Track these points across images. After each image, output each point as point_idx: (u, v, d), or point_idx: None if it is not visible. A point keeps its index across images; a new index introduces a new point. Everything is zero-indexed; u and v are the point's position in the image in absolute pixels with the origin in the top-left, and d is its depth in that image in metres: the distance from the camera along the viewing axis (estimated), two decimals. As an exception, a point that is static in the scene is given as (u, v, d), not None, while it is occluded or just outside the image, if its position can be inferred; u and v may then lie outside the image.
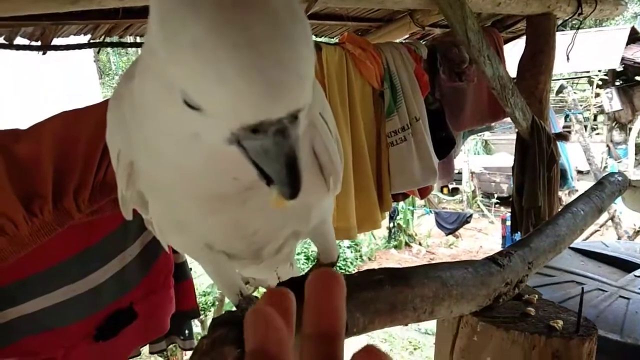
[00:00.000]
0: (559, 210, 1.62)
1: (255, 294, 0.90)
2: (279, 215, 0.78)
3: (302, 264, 7.53)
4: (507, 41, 3.78)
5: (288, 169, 0.53)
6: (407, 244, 9.83)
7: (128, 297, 1.78)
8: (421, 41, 3.36)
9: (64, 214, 1.58)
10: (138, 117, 0.66)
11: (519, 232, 3.27)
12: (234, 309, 0.84)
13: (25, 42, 2.30)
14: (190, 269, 2.05)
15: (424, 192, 2.91)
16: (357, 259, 8.92)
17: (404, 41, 3.02)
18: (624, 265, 2.91)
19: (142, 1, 1.57)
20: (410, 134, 2.56)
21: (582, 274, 2.82)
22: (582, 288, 1.19)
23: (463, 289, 1.07)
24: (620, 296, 2.57)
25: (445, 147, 2.90)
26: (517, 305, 1.25)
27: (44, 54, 2.37)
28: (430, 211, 9.44)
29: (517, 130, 3.05)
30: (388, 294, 0.94)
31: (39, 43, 2.33)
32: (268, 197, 0.67)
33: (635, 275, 2.74)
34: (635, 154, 10.10)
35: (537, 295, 1.28)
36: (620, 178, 2.03)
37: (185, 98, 0.51)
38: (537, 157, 2.97)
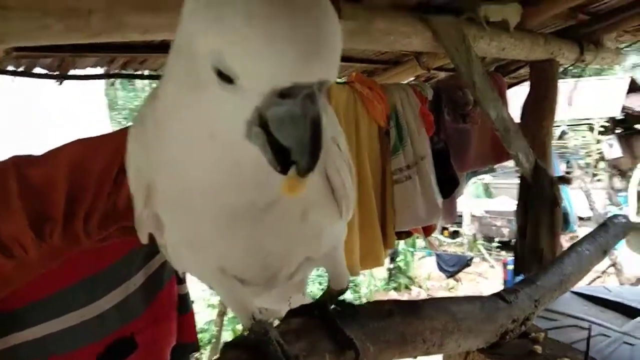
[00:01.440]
0: (564, 250, 1.63)
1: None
2: (292, 236, 0.80)
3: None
4: (509, 86, 3.86)
5: (312, 133, 0.56)
6: (406, 287, 9.72)
7: (130, 327, 1.77)
8: (426, 83, 3.44)
9: (73, 239, 1.59)
10: (161, 132, 0.70)
11: (522, 275, 3.25)
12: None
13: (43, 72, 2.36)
14: (192, 301, 2.04)
15: (427, 231, 2.92)
16: (356, 300, 8.81)
17: (410, 82, 3.10)
18: (628, 311, 2.88)
19: (163, 35, 1.62)
20: (416, 172, 2.59)
21: (585, 319, 2.79)
22: (590, 326, 1.19)
23: (471, 323, 1.08)
24: (625, 342, 2.53)
25: (449, 186, 2.93)
26: (523, 343, 1.25)
27: (60, 83, 2.43)
28: (431, 253, 9.39)
29: (519, 173, 3.08)
30: (398, 325, 0.94)
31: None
32: (281, 211, 0.69)
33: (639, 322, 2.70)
34: (637, 201, 10.11)
35: (543, 334, 1.28)
36: (623, 220, 2.05)
37: (220, 67, 0.55)
38: (539, 199, 2.99)
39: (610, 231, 1.88)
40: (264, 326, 0.80)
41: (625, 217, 2.08)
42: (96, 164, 1.64)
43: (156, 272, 1.82)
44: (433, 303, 1.04)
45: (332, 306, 0.92)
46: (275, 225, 0.72)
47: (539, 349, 1.20)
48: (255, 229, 0.75)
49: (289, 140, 0.56)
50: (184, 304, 1.95)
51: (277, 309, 1.21)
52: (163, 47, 2.39)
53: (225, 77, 0.55)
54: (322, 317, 0.87)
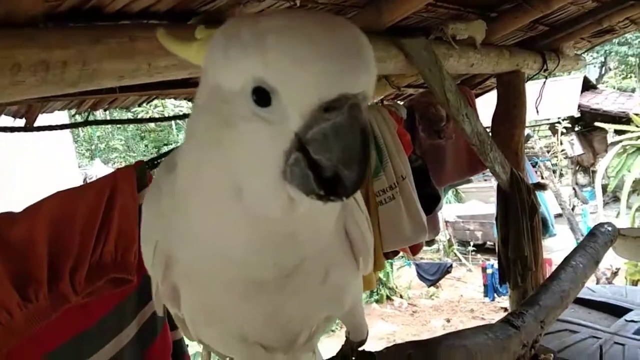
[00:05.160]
0: (559, 263, 1.65)
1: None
2: (315, 300, 0.78)
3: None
4: (477, 96, 3.94)
5: (362, 142, 0.55)
6: (388, 298, 9.73)
7: (126, 382, 1.70)
8: (398, 101, 3.47)
9: (59, 297, 1.52)
10: (180, 202, 0.68)
11: (507, 283, 3.29)
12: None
13: (9, 119, 2.27)
14: (187, 345, 1.97)
15: (415, 249, 2.93)
16: (340, 316, 8.76)
17: (383, 103, 3.12)
18: (613, 310, 2.95)
19: (140, 79, 1.59)
20: (398, 192, 2.60)
21: (574, 322, 2.84)
22: (601, 347, 1.20)
23: (486, 356, 1.07)
24: (615, 342, 2.58)
25: (431, 202, 2.95)
26: (535, 367, 1.25)
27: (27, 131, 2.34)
28: (410, 263, 9.44)
29: (497, 182, 3.14)
30: (419, 369, 0.93)
31: (23, 120, 2.32)
32: (305, 274, 0.68)
33: (627, 320, 2.77)
34: (603, 195, 10.47)
35: (552, 355, 1.29)
36: (610, 228, 2.10)
37: (262, 85, 0.55)
38: (519, 208, 3.04)
39: (599, 240, 1.92)
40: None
41: (610, 225, 2.14)
42: (78, 217, 1.58)
43: (150, 320, 1.76)
44: (449, 340, 1.03)
45: (353, 358, 0.90)
46: (298, 289, 0.71)
47: (551, 371, 1.21)
48: (279, 295, 0.72)
49: (334, 156, 0.55)
50: (179, 350, 1.88)
51: None
52: (132, 86, 2.34)
53: (263, 100, 0.55)
54: (345, 372, 0.85)
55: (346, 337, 0.94)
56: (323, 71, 0.53)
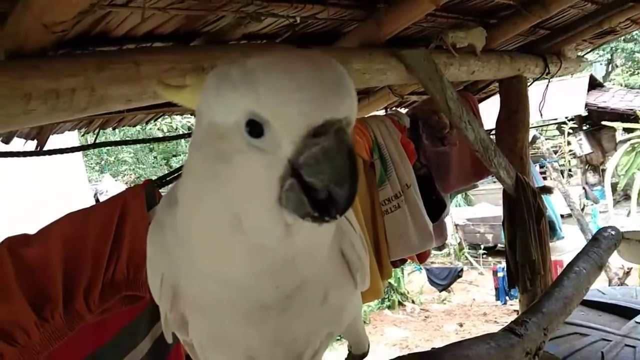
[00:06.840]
0: (562, 270, 1.67)
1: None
2: (317, 319, 0.81)
3: None
4: (480, 101, 3.96)
5: (350, 162, 0.61)
6: (400, 303, 9.71)
7: (140, 398, 1.73)
8: (401, 109, 3.50)
9: (75, 316, 1.56)
10: (181, 235, 0.71)
11: (515, 288, 3.29)
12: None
13: (21, 141, 2.33)
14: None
15: (422, 257, 2.94)
16: (351, 323, 8.74)
17: (387, 112, 3.16)
18: (624, 312, 2.94)
19: (146, 102, 1.63)
20: (404, 200, 2.62)
21: (584, 325, 2.83)
22: (602, 353, 1.22)
23: (489, 365, 1.09)
24: (626, 345, 2.58)
25: (437, 210, 2.97)
26: (539, 374, 1.27)
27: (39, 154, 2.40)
28: (421, 268, 9.41)
29: (503, 187, 3.15)
30: (422, 380, 0.95)
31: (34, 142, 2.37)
32: (305, 295, 0.71)
33: (637, 322, 2.76)
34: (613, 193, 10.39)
35: (557, 361, 1.31)
36: (613, 232, 2.10)
37: (255, 118, 0.61)
38: (525, 212, 3.05)
39: (602, 245, 1.93)
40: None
41: (614, 228, 2.14)
42: (90, 238, 1.63)
43: (162, 335, 1.79)
44: (451, 351, 1.06)
45: (356, 371, 0.93)
46: (300, 310, 0.75)
47: (555, 378, 1.22)
48: (282, 317, 0.76)
49: (326, 177, 0.60)
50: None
51: None
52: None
53: (256, 132, 0.61)
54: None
55: (348, 350, 0.97)
56: (309, 100, 0.58)
